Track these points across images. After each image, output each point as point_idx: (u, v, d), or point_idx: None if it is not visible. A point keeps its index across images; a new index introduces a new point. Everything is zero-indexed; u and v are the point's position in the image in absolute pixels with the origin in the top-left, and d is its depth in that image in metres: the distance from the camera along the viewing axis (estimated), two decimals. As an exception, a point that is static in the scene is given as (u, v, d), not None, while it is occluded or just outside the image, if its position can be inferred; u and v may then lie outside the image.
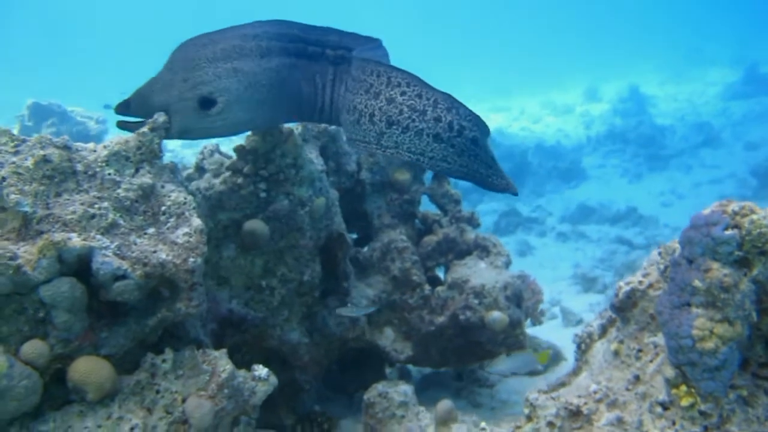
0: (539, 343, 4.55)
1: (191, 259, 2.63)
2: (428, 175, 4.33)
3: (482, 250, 4.00)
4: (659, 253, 2.41)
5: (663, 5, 50.37)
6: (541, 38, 47.78)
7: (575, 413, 2.45)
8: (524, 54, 43.21)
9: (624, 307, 2.52)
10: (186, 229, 2.68)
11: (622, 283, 2.55)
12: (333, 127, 3.57)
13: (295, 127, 3.50)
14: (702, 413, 2.13)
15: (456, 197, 4.23)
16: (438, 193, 4.24)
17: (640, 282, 2.47)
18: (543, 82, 32.10)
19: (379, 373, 4.04)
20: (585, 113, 24.40)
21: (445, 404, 2.98)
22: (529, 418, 2.47)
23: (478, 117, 2.77)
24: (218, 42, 2.87)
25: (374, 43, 2.96)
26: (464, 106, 2.76)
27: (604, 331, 2.76)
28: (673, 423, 2.19)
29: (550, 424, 2.40)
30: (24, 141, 2.60)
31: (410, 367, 4.41)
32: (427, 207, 4.37)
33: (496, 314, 3.51)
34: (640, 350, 2.45)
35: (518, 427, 2.47)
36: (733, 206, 2.04)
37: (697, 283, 2.03)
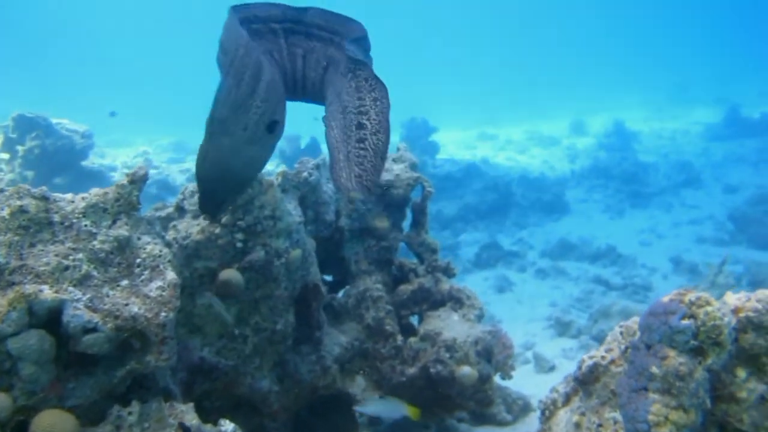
0: (509, 394, 4.58)
1: (163, 314, 2.65)
2: (406, 224, 4.38)
3: (456, 301, 4.04)
4: (620, 333, 2.47)
5: (652, 43, 51.30)
6: (531, 69, 48.36)
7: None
8: (514, 83, 43.73)
9: (586, 381, 2.57)
10: (160, 283, 2.70)
11: (585, 357, 2.60)
12: (313, 177, 3.61)
13: (276, 177, 3.54)
14: (656, 495, 2.17)
15: (433, 246, 4.28)
16: (416, 241, 4.29)
17: (603, 357, 2.52)
18: (531, 113, 32.54)
19: (350, 419, 4.05)
20: (570, 146, 24.69)
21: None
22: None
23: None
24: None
25: (359, 32, 3.00)
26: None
27: (568, 399, 2.80)
28: (629, 503, 2.22)
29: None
30: (2, 191, 2.61)
31: (380, 412, 4.41)
32: (405, 255, 4.42)
33: (466, 369, 3.54)
34: (600, 425, 2.49)
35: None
36: (690, 296, 2.10)
37: (654, 369, 2.08)
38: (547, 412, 2.86)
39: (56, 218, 2.64)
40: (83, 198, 2.72)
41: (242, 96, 2.76)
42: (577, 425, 2.58)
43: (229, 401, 3.38)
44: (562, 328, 7.55)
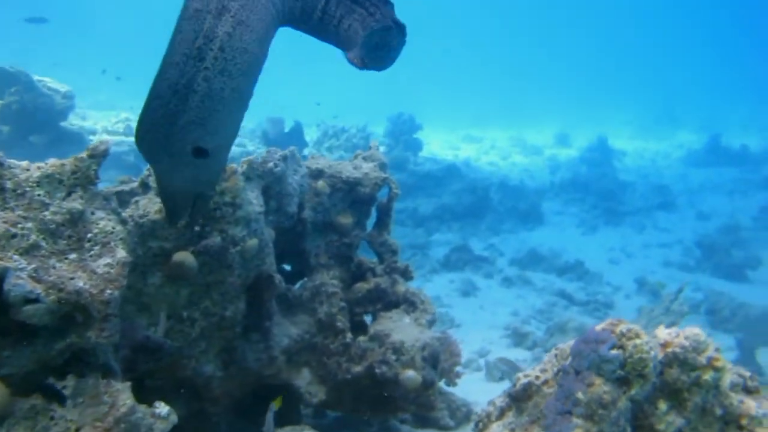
0: (454, 400, 4.63)
1: (108, 291, 2.64)
2: (370, 222, 4.40)
3: (410, 304, 4.07)
4: (555, 355, 2.51)
5: (644, 63, 51.74)
6: (524, 76, 48.57)
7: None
8: (505, 89, 43.87)
9: (519, 398, 2.61)
10: (108, 260, 2.69)
11: (521, 375, 2.64)
12: (279, 169, 3.62)
13: (240, 165, 3.54)
14: None
15: (394, 247, 4.31)
16: (377, 241, 4.32)
17: (537, 377, 2.57)
18: (518, 119, 32.71)
19: (295, 410, 4.07)
20: (552, 157, 24.89)
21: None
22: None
23: None
24: None
25: None
26: None
27: (502, 413, 2.84)
28: None
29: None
30: (-46, 153, 2.58)
31: (326, 405, 4.44)
32: (365, 253, 4.44)
33: (410, 373, 3.58)
34: (528, 442, 2.54)
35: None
36: (622, 327, 2.15)
37: (580, 395, 2.13)
38: (481, 425, 2.90)
39: (9, 185, 2.62)
40: (39, 167, 2.69)
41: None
42: (506, 440, 2.63)
43: (172, 382, 3.38)
44: (518, 338, 7.64)
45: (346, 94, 33.74)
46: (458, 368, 4.06)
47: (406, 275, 4.28)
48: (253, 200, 3.41)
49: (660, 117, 34.35)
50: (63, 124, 13.34)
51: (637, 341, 2.11)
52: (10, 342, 2.59)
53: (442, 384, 4.11)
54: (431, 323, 3.99)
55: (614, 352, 2.11)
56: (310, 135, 19.11)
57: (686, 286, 7.89)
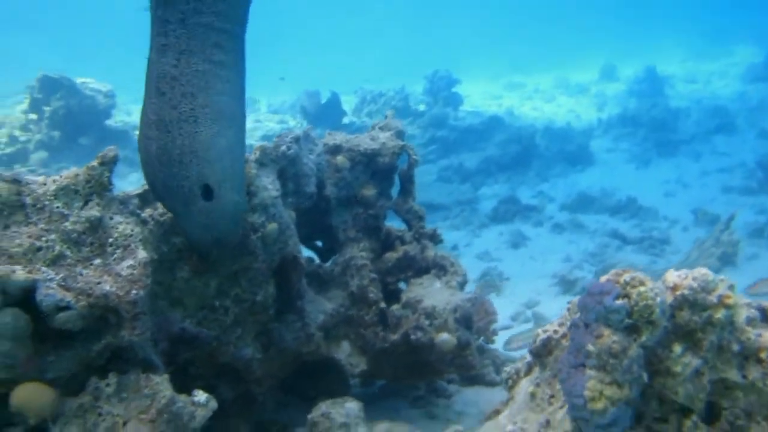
0: (498, 356, 4.66)
1: (134, 291, 2.76)
2: (394, 191, 4.42)
3: (440, 269, 4.10)
4: (568, 309, 2.50)
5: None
6: (564, 13, 46.92)
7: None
8: (545, 30, 42.54)
9: (540, 354, 2.63)
10: (131, 262, 2.81)
11: (540, 331, 2.65)
12: (292, 151, 3.66)
13: (253, 152, 3.59)
14: (596, 466, 2.24)
15: (420, 213, 4.32)
16: (403, 208, 4.34)
17: (555, 332, 2.57)
18: (561, 60, 31.69)
19: (342, 382, 4.17)
20: (599, 94, 24.14)
21: (381, 428, 3.11)
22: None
23: None
24: None
25: None
26: None
27: (529, 369, 2.86)
28: (572, 473, 2.30)
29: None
30: (-25, 177, 2.72)
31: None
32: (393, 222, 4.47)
33: (444, 336, 3.62)
34: (552, 396, 2.56)
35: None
36: (625, 277, 2.13)
37: (590, 347, 2.13)
38: (510, 381, 2.93)
39: (28, 200, 2.75)
40: (54, 180, 2.82)
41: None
42: (533, 395, 2.65)
43: (213, 369, 3.52)
44: (567, 285, 7.58)
45: (382, 58, 33.48)
46: (495, 326, 4.09)
47: (435, 239, 4.30)
48: (269, 185, 3.47)
49: (711, 35, 32.64)
50: (108, 122, 13.74)
51: (642, 289, 2.08)
52: (51, 348, 2.76)
53: (482, 343, 4.14)
54: (462, 285, 4.01)
55: (619, 302, 2.09)
56: (349, 104, 19.10)
57: (737, 214, 7.60)
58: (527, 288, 7.65)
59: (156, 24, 2.83)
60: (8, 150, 13.25)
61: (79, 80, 14.12)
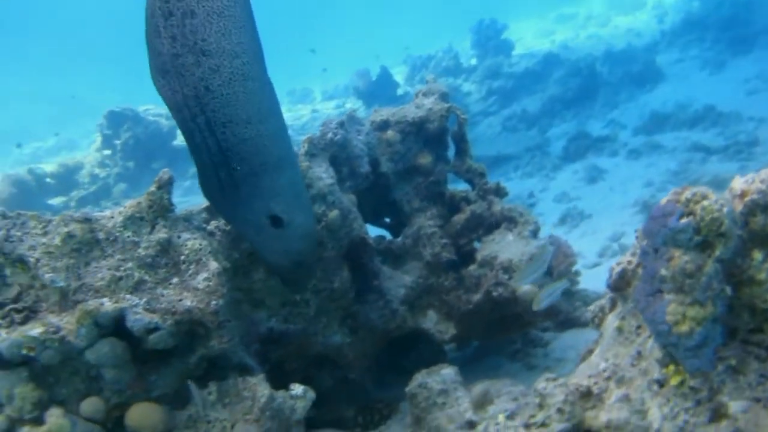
0: (588, 295, 4.57)
1: (213, 302, 2.88)
2: (450, 153, 4.38)
3: (510, 221, 4.04)
4: (636, 238, 2.42)
5: None
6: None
7: (586, 394, 2.55)
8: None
9: (618, 287, 2.56)
10: (205, 274, 2.93)
11: (614, 264, 2.58)
12: (339, 137, 3.68)
13: (302, 144, 3.64)
14: (692, 389, 2.19)
15: (480, 170, 4.27)
16: (462, 169, 4.30)
17: (629, 262, 2.50)
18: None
19: (437, 350, 4.20)
20: (657, 5, 22.90)
21: (478, 389, 3.11)
22: (540, 407, 2.58)
23: None
24: None
25: None
26: None
27: (613, 304, 2.80)
28: (668, 400, 2.25)
29: (560, 410, 2.50)
30: (50, 221, 2.89)
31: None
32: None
33: (525, 288, 3.58)
34: (638, 327, 2.50)
35: (532, 416, 2.59)
36: (686, 194, 2.04)
37: (663, 272, 2.06)
38: (596, 320, 2.88)
39: (101, 236, 2.90)
40: (120, 212, 2.95)
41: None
42: (620, 330, 2.60)
43: (306, 360, 3.63)
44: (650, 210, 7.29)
45: (423, 22, 32.92)
46: (576, 267, 4.00)
47: (500, 193, 4.24)
48: (323, 174, 3.51)
49: None
50: (174, 143, 14.22)
51: (705, 203, 1.98)
52: (152, 368, 2.92)
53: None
54: (535, 233, 3.95)
55: (684, 220, 2.00)
56: (401, 74, 18.97)
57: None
58: (611, 222, 7.43)
59: None
60: (92, 188, 13.97)
61: (141, 108, 14.68)
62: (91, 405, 2.74)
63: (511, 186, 4.61)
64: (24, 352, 2.61)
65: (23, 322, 2.70)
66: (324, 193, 3.44)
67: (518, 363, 4.26)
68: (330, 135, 3.69)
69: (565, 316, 4.25)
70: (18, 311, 2.73)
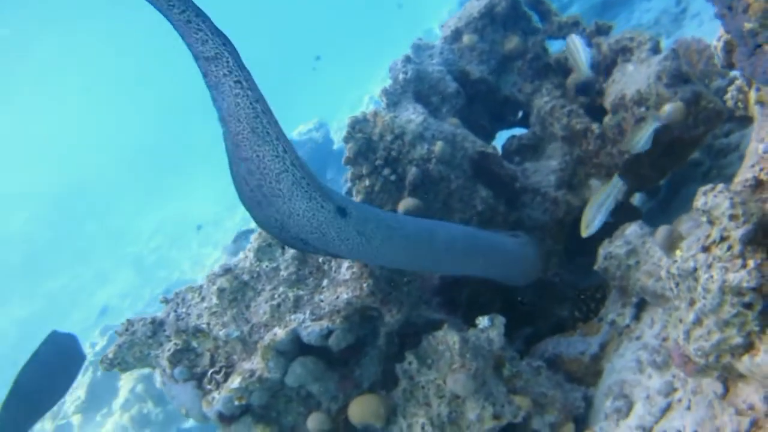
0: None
1: (364, 284, 2.92)
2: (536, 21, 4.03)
3: (623, 52, 3.59)
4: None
5: None
6: None
7: (756, 186, 2.19)
8: None
9: (731, 63, 2.16)
10: (346, 264, 2.98)
11: (714, 41, 2.19)
12: (410, 73, 3.54)
13: (380, 97, 3.55)
14: None
15: (572, 20, 3.89)
16: (554, 30, 3.95)
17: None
18: None
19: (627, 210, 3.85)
20: None
21: (661, 231, 2.80)
22: (711, 223, 2.23)
23: None
24: None
25: None
26: None
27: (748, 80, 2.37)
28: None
29: (733, 216, 2.15)
30: (202, 287, 3.13)
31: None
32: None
33: (668, 108, 3.15)
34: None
35: (708, 236, 2.25)
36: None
37: (747, 25, 1.68)
38: (740, 103, 2.46)
39: (246, 277, 3.07)
40: (249, 249, 3.10)
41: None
42: (761, 102, 2.19)
43: (488, 287, 3.53)
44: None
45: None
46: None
47: (602, 31, 3.80)
48: (411, 115, 3.40)
49: None
50: (334, 147, 14.76)
51: None
52: (354, 365, 3.04)
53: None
54: (654, 48, 3.45)
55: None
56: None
57: None
58: None
59: None
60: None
61: (294, 133, 15.30)
62: (314, 421, 2.92)
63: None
64: (237, 402, 2.86)
65: (225, 380, 2.95)
66: (418, 132, 3.32)
67: (717, 180, 3.77)
68: (401, 76, 3.56)
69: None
70: (217, 372, 2.99)
